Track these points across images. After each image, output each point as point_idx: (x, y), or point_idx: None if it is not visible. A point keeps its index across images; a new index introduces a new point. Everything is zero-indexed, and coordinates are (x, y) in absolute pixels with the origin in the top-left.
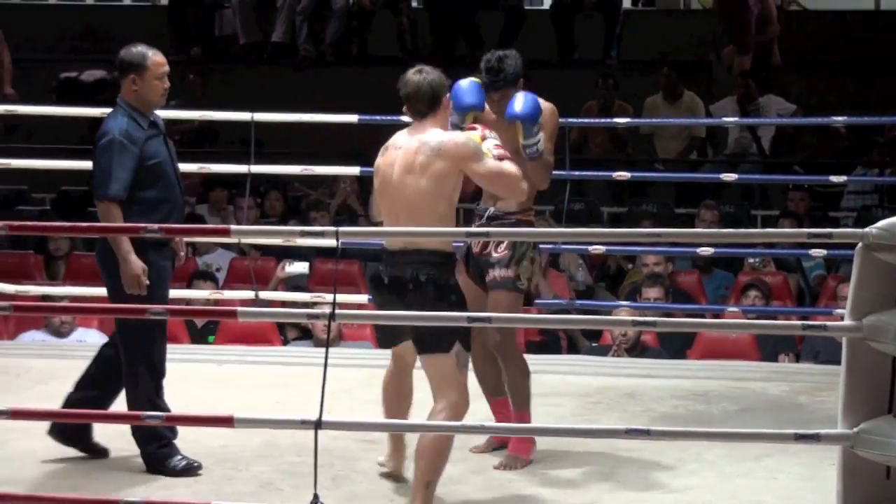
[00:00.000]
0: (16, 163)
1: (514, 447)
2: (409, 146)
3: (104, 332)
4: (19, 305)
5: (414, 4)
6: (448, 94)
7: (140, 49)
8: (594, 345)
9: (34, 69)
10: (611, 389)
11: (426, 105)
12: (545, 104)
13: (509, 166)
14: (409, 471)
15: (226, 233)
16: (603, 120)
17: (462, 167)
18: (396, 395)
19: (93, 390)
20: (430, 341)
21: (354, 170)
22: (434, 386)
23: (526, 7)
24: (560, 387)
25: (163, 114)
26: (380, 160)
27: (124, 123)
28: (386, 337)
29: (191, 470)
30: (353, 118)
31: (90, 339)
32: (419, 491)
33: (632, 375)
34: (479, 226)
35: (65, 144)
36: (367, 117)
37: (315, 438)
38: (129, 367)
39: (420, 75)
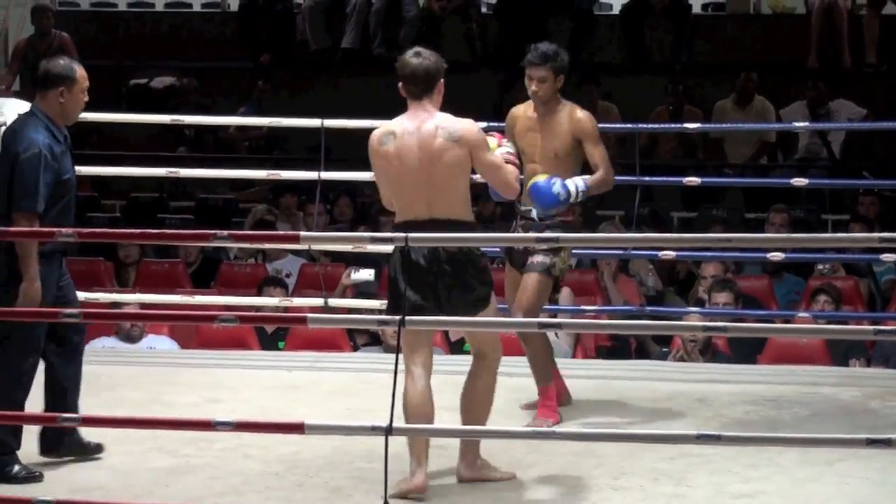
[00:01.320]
0: (85, 170)
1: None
2: (426, 130)
3: (174, 339)
4: (89, 312)
5: (483, 10)
6: (442, 79)
7: (67, 62)
8: (664, 350)
9: (104, 76)
10: (682, 395)
11: (422, 88)
12: (583, 113)
13: (509, 166)
14: None
15: (295, 239)
16: (672, 125)
17: (472, 153)
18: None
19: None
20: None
21: None
22: (478, 342)
23: (596, 12)
24: (631, 392)
25: (232, 120)
26: (391, 147)
27: (47, 138)
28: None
29: (31, 478)
30: None
31: (160, 346)
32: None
33: (703, 381)
34: (522, 225)
35: (135, 151)
36: None
37: (385, 445)
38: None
39: (418, 59)
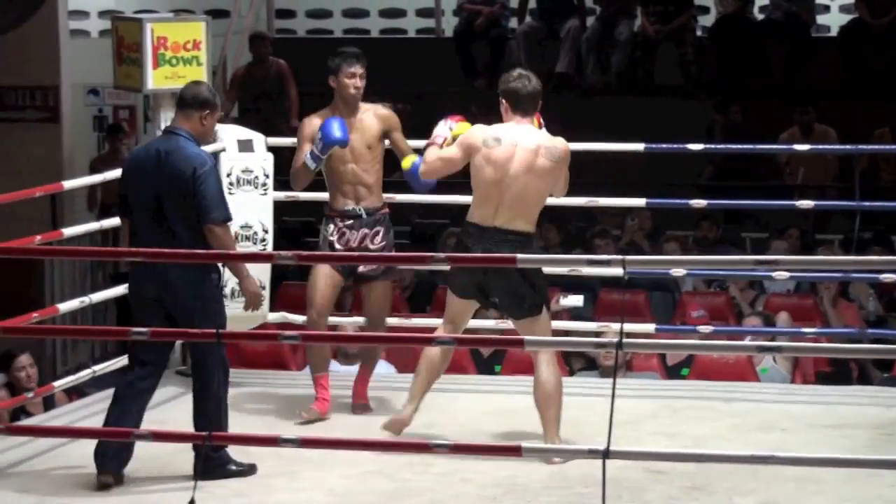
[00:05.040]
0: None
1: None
2: (527, 146)
3: (391, 363)
4: (307, 335)
5: (699, 34)
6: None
7: (212, 89)
8: (885, 375)
9: (320, 103)
10: None
11: (533, 107)
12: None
13: None
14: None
15: (512, 261)
16: (894, 147)
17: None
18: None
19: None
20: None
21: (640, 201)
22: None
23: (813, 34)
24: (853, 418)
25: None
26: (496, 151)
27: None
28: (466, 291)
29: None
30: (638, 147)
31: (378, 370)
32: (553, 428)
33: None
34: (347, 225)
35: None
36: (653, 146)
37: (603, 468)
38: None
39: (531, 81)
